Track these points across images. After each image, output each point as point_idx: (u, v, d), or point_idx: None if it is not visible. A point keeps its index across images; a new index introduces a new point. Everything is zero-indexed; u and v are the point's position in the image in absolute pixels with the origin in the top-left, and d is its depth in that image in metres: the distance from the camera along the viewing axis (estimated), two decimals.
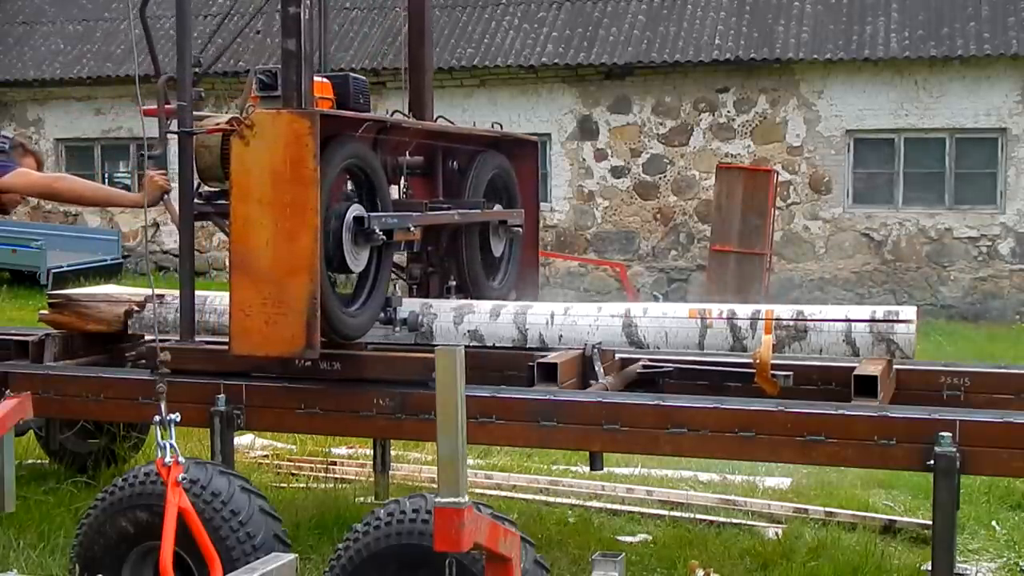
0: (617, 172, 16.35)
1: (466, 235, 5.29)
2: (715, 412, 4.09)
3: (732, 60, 15.63)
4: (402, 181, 4.99)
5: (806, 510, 5.74)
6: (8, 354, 5.20)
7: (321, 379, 4.43)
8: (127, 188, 19.24)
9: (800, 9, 15.99)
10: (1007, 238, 15.13)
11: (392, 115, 4.88)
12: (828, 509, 5.70)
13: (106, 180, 19.21)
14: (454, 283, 5.27)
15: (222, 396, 4.53)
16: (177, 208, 4.73)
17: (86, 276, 16.04)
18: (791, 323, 4.47)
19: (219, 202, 4.77)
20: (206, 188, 4.77)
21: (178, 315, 5.25)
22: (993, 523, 5.68)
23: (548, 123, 16.16)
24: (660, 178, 16.32)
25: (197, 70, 4.74)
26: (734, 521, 5.63)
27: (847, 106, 15.49)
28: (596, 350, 4.59)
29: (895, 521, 5.56)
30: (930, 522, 3.99)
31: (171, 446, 3.64)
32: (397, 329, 4.74)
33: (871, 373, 4.25)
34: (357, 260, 4.43)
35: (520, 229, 5.64)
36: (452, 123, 5.47)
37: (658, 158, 16.29)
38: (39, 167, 5.39)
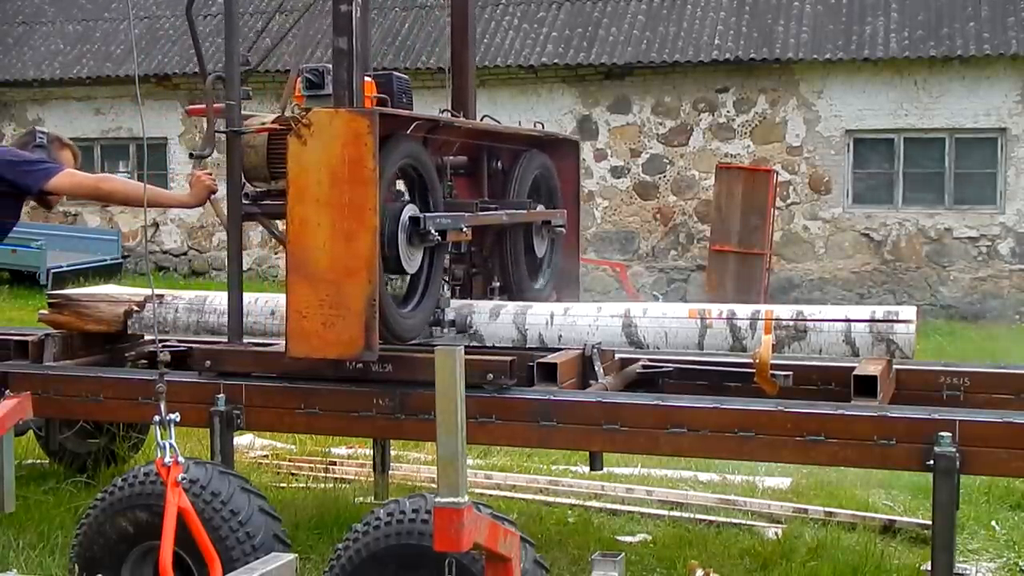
0: (617, 172, 16.36)
1: (511, 236, 5.25)
2: (715, 412, 4.09)
3: (732, 60, 15.63)
4: (447, 181, 4.96)
5: (806, 510, 5.74)
6: (8, 354, 5.19)
7: (372, 381, 4.37)
8: None
9: (800, 9, 15.99)
10: (1007, 238, 15.13)
11: (441, 114, 4.85)
12: (828, 509, 5.70)
13: None
14: (498, 284, 5.22)
15: (222, 396, 4.53)
16: (223, 208, 4.68)
17: (86, 276, 16.04)
18: (791, 323, 4.47)
19: (265, 202, 4.75)
20: (252, 188, 4.72)
21: (177, 315, 5.27)
22: (993, 523, 5.68)
23: (548, 123, 15.95)
24: (660, 178, 16.32)
25: (245, 68, 4.67)
26: (734, 521, 5.63)
27: (847, 106, 15.49)
28: (596, 350, 4.59)
29: (895, 521, 5.56)
30: (930, 522, 3.99)
31: (171, 446, 3.64)
32: (445, 330, 4.71)
33: (871, 373, 4.25)
34: (412, 261, 4.40)
35: (563, 229, 5.59)
36: (498, 122, 5.44)
37: (658, 158, 16.30)
38: (76, 161, 5.33)
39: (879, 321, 4.41)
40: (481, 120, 5.39)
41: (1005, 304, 15.16)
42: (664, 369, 4.93)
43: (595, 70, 16.33)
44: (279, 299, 5.22)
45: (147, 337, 5.44)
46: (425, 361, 4.38)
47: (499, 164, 5.38)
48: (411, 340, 4.48)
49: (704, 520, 5.63)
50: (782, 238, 15.64)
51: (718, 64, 15.74)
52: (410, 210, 4.36)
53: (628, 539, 5.36)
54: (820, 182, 15.69)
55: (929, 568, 3.98)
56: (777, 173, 15.04)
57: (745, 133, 15.96)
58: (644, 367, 4.93)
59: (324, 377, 4.47)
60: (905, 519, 5.60)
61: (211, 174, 4.87)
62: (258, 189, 4.75)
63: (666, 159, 16.29)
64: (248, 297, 5.30)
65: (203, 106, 4.69)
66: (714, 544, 5.27)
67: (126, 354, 5.42)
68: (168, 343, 5.24)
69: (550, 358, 4.46)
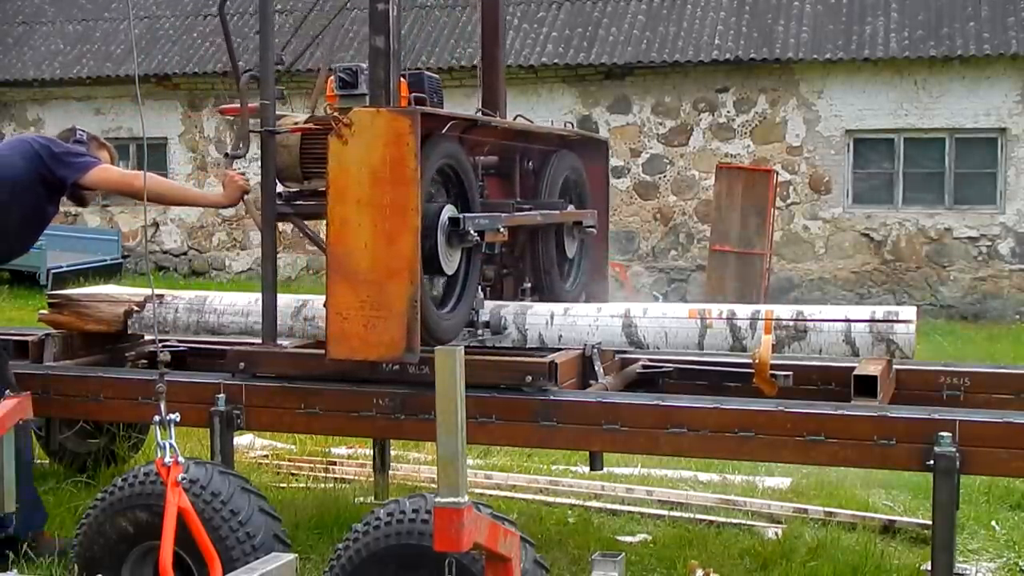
0: (617, 172, 16.35)
1: (543, 236, 5.21)
2: (715, 412, 4.09)
3: (732, 60, 15.63)
4: (478, 181, 4.91)
5: (806, 510, 5.74)
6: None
7: (409, 383, 4.34)
8: None
9: (800, 9, 15.99)
10: (1007, 238, 15.13)
11: (477, 113, 4.82)
12: (828, 509, 5.70)
13: None
14: (529, 285, 5.18)
15: (222, 396, 4.54)
16: (257, 209, 4.66)
17: (86, 276, 16.04)
18: (791, 323, 4.47)
19: (298, 203, 4.72)
20: (285, 188, 4.69)
21: (177, 315, 5.27)
22: (993, 523, 5.68)
23: (548, 123, 16.12)
24: (660, 178, 16.32)
25: (279, 67, 4.64)
26: (734, 521, 5.63)
27: (847, 106, 15.49)
28: (596, 350, 4.59)
29: (895, 521, 5.55)
30: (930, 522, 4.00)
31: (171, 446, 3.64)
32: (480, 332, 4.67)
33: (871, 373, 4.25)
34: (450, 262, 4.36)
35: (594, 230, 5.55)
36: (531, 121, 5.42)
37: (658, 158, 16.30)
38: (112, 161, 5.30)
39: (879, 321, 4.41)
40: (514, 120, 5.35)
41: (1005, 304, 15.16)
42: (664, 369, 4.93)
43: (595, 70, 16.34)
44: (279, 299, 5.23)
45: (147, 337, 5.44)
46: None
47: (530, 164, 5.34)
48: (449, 342, 4.42)
49: (704, 520, 5.63)
50: (782, 238, 15.64)
51: (718, 64, 15.74)
52: (449, 210, 4.32)
53: (628, 539, 5.35)
54: (820, 182, 15.69)
55: (929, 568, 3.98)
56: (777, 173, 15.04)
57: (745, 133, 15.97)
58: (644, 367, 4.93)
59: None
60: (905, 519, 5.59)
61: (244, 174, 4.84)
62: (291, 189, 4.71)
63: (666, 159, 16.29)
64: (248, 297, 5.31)
65: (237, 105, 4.66)
66: (714, 544, 5.27)
67: (126, 354, 5.42)
68: (168, 343, 5.25)
69: (550, 358, 4.46)
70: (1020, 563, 5.16)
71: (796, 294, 15.56)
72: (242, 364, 4.60)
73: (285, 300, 5.17)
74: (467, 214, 4.36)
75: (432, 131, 4.21)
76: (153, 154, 18.30)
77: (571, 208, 5.42)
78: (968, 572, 4.95)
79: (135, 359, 5.43)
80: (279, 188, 4.65)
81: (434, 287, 4.45)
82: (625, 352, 4.89)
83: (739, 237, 14.57)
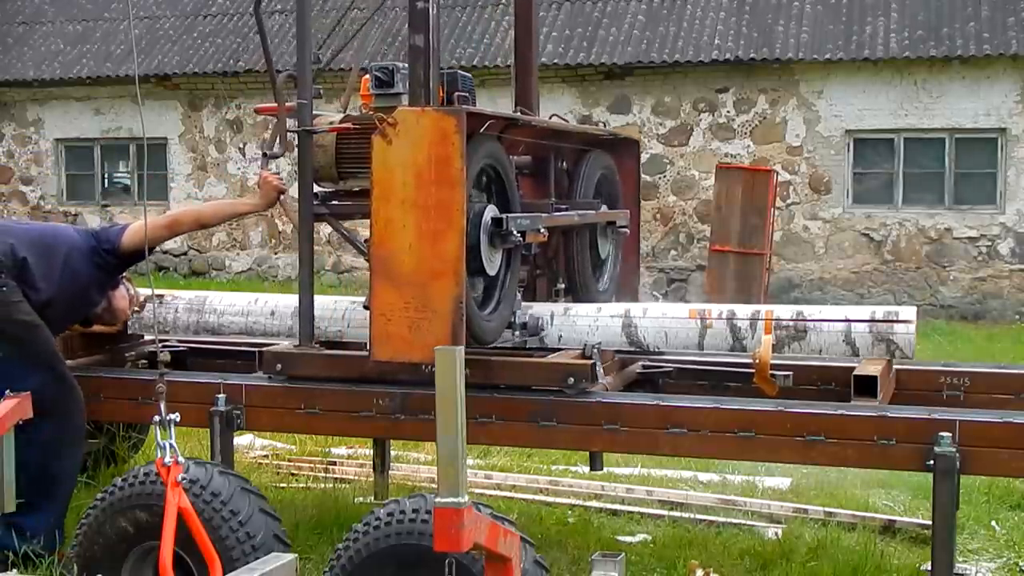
0: None
1: (578, 237, 5.18)
2: (715, 412, 4.09)
3: (732, 60, 15.63)
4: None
5: (806, 510, 5.74)
6: None
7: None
8: (126, 188, 19.29)
9: (800, 9, 15.99)
10: (1007, 238, 15.13)
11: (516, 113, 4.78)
12: (828, 509, 5.70)
13: (106, 180, 19.23)
14: (563, 286, 5.15)
15: (222, 396, 4.54)
16: (292, 209, 4.62)
17: None
18: (791, 323, 4.47)
19: (334, 203, 4.70)
20: (320, 188, 4.66)
21: (177, 315, 5.27)
22: (993, 523, 5.68)
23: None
24: (660, 178, 16.32)
25: (316, 66, 4.61)
26: (734, 521, 5.63)
27: (847, 106, 15.49)
28: (596, 350, 4.59)
29: (895, 521, 5.55)
30: (930, 522, 4.00)
31: (171, 446, 3.65)
32: (517, 333, 4.64)
33: (871, 373, 4.25)
34: (492, 262, 4.33)
35: (627, 230, 5.53)
36: (567, 121, 5.39)
37: (658, 158, 16.29)
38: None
39: (879, 321, 4.41)
40: (550, 119, 5.31)
41: (1005, 304, 15.16)
42: (664, 369, 4.93)
43: (595, 70, 16.33)
44: (279, 299, 5.23)
45: (147, 337, 5.44)
46: (507, 365, 4.34)
47: (563, 164, 5.31)
48: (490, 343, 4.40)
49: (704, 520, 5.63)
50: (782, 238, 15.64)
51: (718, 64, 15.73)
52: (491, 211, 4.29)
53: (628, 539, 5.36)
54: (820, 182, 15.69)
55: (929, 568, 3.98)
56: (777, 173, 15.03)
57: (745, 133, 15.96)
58: (644, 367, 4.93)
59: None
60: (905, 519, 5.60)
61: (279, 175, 4.82)
62: (326, 189, 4.68)
63: (666, 159, 16.28)
64: (248, 297, 5.32)
65: (274, 105, 4.61)
66: (714, 544, 5.27)
67: (126, 354, 5.42)
68: (168, 343, 5.25)
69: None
70: (1020, 563, 5.16)
71: (796, 294, 15.56)
72: (279, 365, 4.55)
73: (285, 300, 5.17)
74: (510, 214, 4.32)
75: (474, 131, 4.17)
76: (153, 154, 18.30)
77: (604, 208, 5.40)
78: (968, 572, 4.95)
79: (135, 359, 5.43)
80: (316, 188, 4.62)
81: (475, 288, 4.39)
82: (625, 352, 4.89)
83: (739, 237, 14.56)
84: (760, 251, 14.57)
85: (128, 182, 19.31)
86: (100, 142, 18.92)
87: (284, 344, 4.80)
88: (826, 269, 15.74)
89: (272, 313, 5.13)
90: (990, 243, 15.17)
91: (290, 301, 5.13)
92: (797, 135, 15.74)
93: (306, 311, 4.60)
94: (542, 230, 4.47)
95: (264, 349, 4.68)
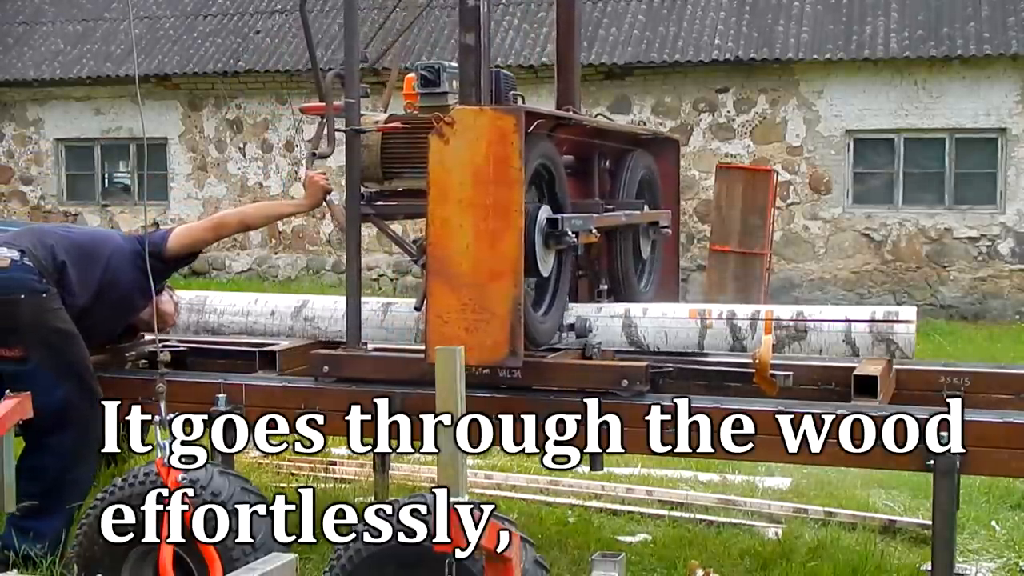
0: None
1: (621, 237, 5.13)
2: (715, 412, 4.08)
3: (732, 60, 15.63)
4: None
5: (806, 510, 5.74)
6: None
7: (499, 387, 4.24)
8: (126, 188, 19.30)
9: (800, 9, 16.00)
10: (1007, 238, 15.14)
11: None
12: (828, 509, 5.70)
13: (106, 180, 19.24)
14: (606, 287, 5.10)
15: (222, 396, 4.53)
16: (339, 209, 4.59)
17: None
18: (791, 323, 4.47)
19: (379, 203, 4.67)
20: (365, 189, 4.62)
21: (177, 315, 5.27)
22: (993, 523, 5.68)
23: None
24: None
25: (364, 65, 4.55)
26: (734, 521, 5.63)
27: (847, 106, 15.49)
28: (596, 350, 4.58)
29: (895, 521, 5.56)
30: (930, 522, 3.99)
31: (171, 446, 3.64)
32: (564, 335, 4.59)
33: (871, 373, 4.25)
34: (546, 263, 4.28)
35: (668, 231, 5.47)
36: (612, 120, 5.37)
37: None
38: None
39: (879, 321, 4.41)
40: (595, 118, 5.25)
41: (1005, 304, 15.16)
42: (664, 369, 4.92)
43: (595, 70, 16.33)
44: (279, 299, 5.23)
45: (147, 337, 5.44)
46: (557, 367, 4.28)
47: (606, 163, 5.27)
48: (544, 345, 4.35)
49: (704, 520, 5.63)
50: (782, 238, 15.64)
51: (718, 64, 15.74)
52: (546, 211, 4.24)
53: (628, 539, 5.36)
54: (820, 182, 15.69)
55: (929, 568, 3.98)
56: (777, 173, 15.03)
57: (745, 133, 15.97)
58: (647, 367, 4.91)
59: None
60: (905, 519, 5.60)
61: (325, 174, 4.78)
62: (371, 190, 4.65)
63: None
64: (248, 297, 5.31)
65: (320, 104, 4.57)
66: (714, 544, 5.27)
67: (126, 354, 5.41)
68: (168, 343, 5.24)
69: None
70: (1020, 563, 5.16)
71: (796, 294, 15.56)
72: (326, 367, 4.50)
73: (285, 300, 5.16)
74: (564, 215, 4.28)
75: (528, 130, 4.10)
76: (153, 154, 18.30)
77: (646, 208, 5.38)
78: (968, 572, 4.95)
79: (135, 359, 5.42)
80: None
81: (529, 289, 4.35)
82: (625, 352, 4.89)
83: (739, 237, 14.56)
84: (760, 251, 14.57)
85: (128, 182, 19.32)
86: (100, 142, 18.92)
87: (284, 344, 4.76)
88: (826, 269, 15.74)
89: (272, 313, 5.13)
90: (990, 243, 15.17)
91: (290, 301, 5.12)
92: (797, 135, 15.74)
93: (353, 312, 4.53)
94: (594, 231, 4.43)
95: (315, 351, 4.61)
